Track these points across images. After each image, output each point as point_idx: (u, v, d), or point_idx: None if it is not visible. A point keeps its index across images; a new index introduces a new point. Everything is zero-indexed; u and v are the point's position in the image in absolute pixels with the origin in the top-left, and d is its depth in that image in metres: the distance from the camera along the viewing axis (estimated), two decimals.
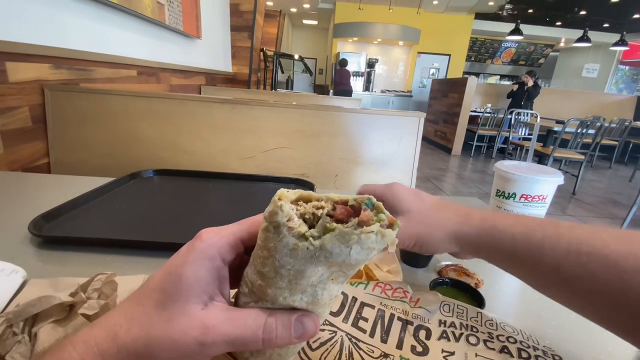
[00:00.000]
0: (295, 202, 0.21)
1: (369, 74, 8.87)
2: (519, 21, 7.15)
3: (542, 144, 4.18)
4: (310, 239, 0.19)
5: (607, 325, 0.27)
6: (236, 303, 0.23)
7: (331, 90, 7.56)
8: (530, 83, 5.50)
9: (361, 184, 0.41)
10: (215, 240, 0.22)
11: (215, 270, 0.21)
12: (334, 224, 0.19)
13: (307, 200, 0.21)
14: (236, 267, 0.23)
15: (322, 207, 0.20)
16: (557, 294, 0.30)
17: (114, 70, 1.40)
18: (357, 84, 8.53)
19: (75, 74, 1.18)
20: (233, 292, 0.24)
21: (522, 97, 5.56)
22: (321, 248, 0.19)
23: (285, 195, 0.20)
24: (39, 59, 1.02)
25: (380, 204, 0.21)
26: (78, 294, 0.28)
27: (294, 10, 8.40)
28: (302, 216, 0.20)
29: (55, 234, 0.50)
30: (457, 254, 0.37)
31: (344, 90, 6.84)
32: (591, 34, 7.27)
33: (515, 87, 5.73)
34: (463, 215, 0.35)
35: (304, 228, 0.19)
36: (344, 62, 7.01)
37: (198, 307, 0.20)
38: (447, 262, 0.49)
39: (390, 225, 0.20)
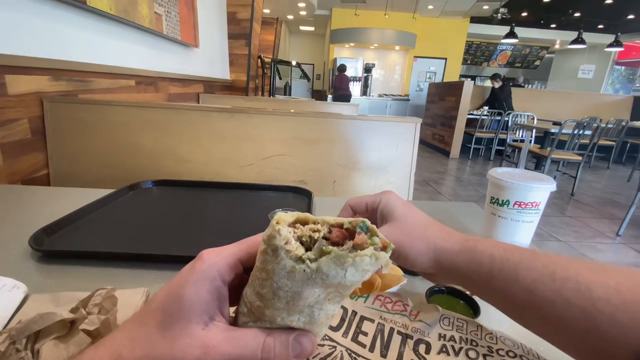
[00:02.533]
0: (292, 224, 0.22)
1: (366, 79, 8.92)
2: (513, 24, 7.22)
3: (539, 146, 4.19)
4: (307, 261, 0.19)
5: (575, 353, 0.27)
6: (235, 322, 0.24)
7: (330, 96, 7.60)
8: (496, 85, 5.82)
9: (360, 191, 0.41)
10: (215, 262, 0.22)
11: (215, 291, 0.22)
12: (330, 247, 0.20)
13: (304, 223, 0.22)
14: (235, 286, 0.24)
15: (319, 230, 0.21)
16: (529, 318, 0.29)
17: (112, 80, 1.41)
18: (354, 88, 8.58)
19: (74, 85, 1.19)
20: (232, 309, 0.25)
21: (493, 99, 5.89)
22: (318, 270, 0.19)
23: (283, 219, 0.21)
24: (38, 71, 1.03)
25: (374, 227, 0.22)
26: (79, 310, 0.29)
27: (290, 17, 8.46)
28: (299, 239, 0.21)
29: (55, 248, 0.51)
30: (431, 275, 0.36)
31: (343, 95, 6.89)
32: (586, 36, 7.34)
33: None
34: (447, 232, 0.35)
35: (301, 251, 0.20)
36: (342, 68, 7.07)
37: (199, 327, 0.20)
38: None
39: (384, 248, 0.21)
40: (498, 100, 5.78)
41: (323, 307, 0.22)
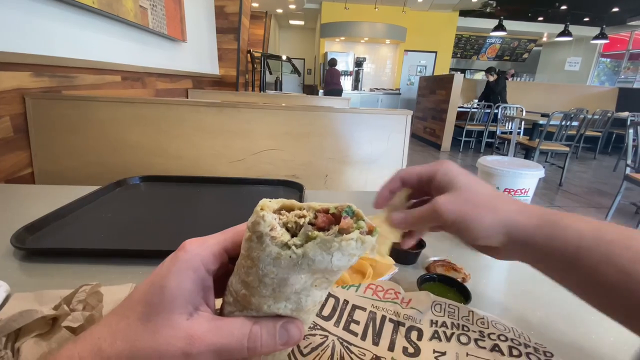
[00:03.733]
0: (278, 211, 0.21)
1: (357, 73, 8.90)
2: (502, 17, 7.27)
3: (528, 138, 4.25)
4: (293, 247, 0.19)
5: None
6: (221, 312, 0.24)
7: (321, 90, 7.57)
8: (491, 79, 5.85)
9: (351, 184, 0.40)
10: (199, 251, 0.22)
11: (199, 281, 0.21)
12: (316, 232, 0.20)
13: (289, 209, 0.22)
14: (221, 276, 0.24)
15: (304, 216, 0.21)
16: (620, 305, 0.25)
17: (97, 76, 1.38)
18: (346, 83, 8.56)
19: (57, 81, 1.16)
20: (219, 301, 0.24)
21: (489, 93, 5.91)
22: (304, 256, 0.19)
23: (268, 205, 0.21)
24: (18, 67, 1.00)
25: (360, 211, 0.21)
26: (61, 306, 0.28)
27: (280, 11, 8.37)
28: (284, 225, 0.21)
29: (38, 246, 0.49)
30: (497, 251, 0.32)
31: (334, 89, 6.87)
32: (572, 28, 7.44)
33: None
34: (521, 204, 0.31)
35: (286, 237, 0.20)
36: (333, 62, 7.04)
37: (183, 317, 0.20)
38: (435, 258, 0.49)
39: (370, 232, 0.20)
40: (493, 93, 5.80)
41: (310, 294, 0.22)
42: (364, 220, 0.21)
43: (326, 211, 0.21)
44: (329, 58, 7.39)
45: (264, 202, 0.21)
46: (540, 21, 9.34)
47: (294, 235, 0.20)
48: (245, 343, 0.21)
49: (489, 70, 5.91)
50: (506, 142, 5.13)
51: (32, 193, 0.77)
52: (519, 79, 10.22)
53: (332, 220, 0.21)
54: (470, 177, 0.33)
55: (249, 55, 3.39)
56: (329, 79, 6.98)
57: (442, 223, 0.31)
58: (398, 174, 0.35)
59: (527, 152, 4.10)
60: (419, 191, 0.35)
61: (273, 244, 0.19)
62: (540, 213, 0.30)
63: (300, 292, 0.21)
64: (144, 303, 0.20)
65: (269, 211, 0.20)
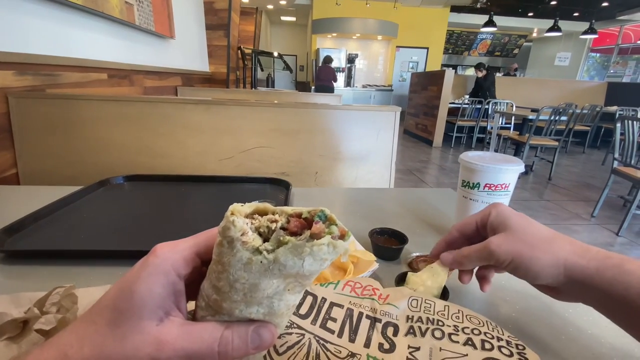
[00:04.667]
0: (250, 215, 0.21)
1: (349, 70, 8.89)
2: (492, 13, 7.31)
3: (518, 133, 4.30)
4: (265, 252, 0.19)
5: None
6: (194, 317, 0.23)
7: (313, 87, 7.54)
8: (480, 74, 5.90)
9: (342, 181, 0.40)
10: (169, 255, 0.22)
11: (170, 286, 0.21)
12: (287, 237, 0.19)
13: (263, 213, 0.22)
14: (195, 281, 0.23)
15: (277, 221, 0.21)
16: None
17: (82, 74, 1.35)
18: (338, 79, 8.54)
19: (41, 80, 1.14)
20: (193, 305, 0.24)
21: (477, 89, 5.97)
22: (275, 261, 0.19)
23: (238, 210, 0.21)
24: (0, 65, 0.98)
25: (334, 216, 0.21)
26: (30, 309, 0.27)
27: (270, 7, 8.28)
28: (257, 230, 0.20)
29: (17, 247, 0.49)
30: (556, 291, 0.32)
31: (324, 86, 6.85)
32: (562, 24, 7.51)
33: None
34: (579, 246, 0.31)
35: (258, 242, 0.20)
36: (328, 59, 7.00)
37: (152, 323, 0.20)
38: (417, 253, 0.50)
39: (342, 236, 0.20)
40: (482, 89, 5.86)
41: (283, 298, 0.22)
42: (336, 224, 0.21)
43: (299, 215, 0.21)
44: (321, 54, 7.36)
45: (235, 206, 0.21)
46: (530, 17, 9.42)
47: (266, 240, 0.20)
48: (216, 348, 0.20)
49: (478, 66, 5.96)
50: (498, 137, 5.19)
51: (14, 194, 0.76)
52: (517, 74, 10.30)
53: (304, 225, 0.21)
54: (525, 218, 0.34)
55: (239, 51, 3.36)
56: (321, 76, 6.96)
57: (496, 263, 0.32)
58: (454, 227, 0.38)
59: (517, 147, 4.15)
60: (481, 236, 0.37)
61: (244, 249, 0.19)
62: (601, 257, 0.30)
63: (273, 296, 0.21)
64: (112, 308, 0.20)
65: (239, 216, 0.20)
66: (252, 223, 0.21)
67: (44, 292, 0.34)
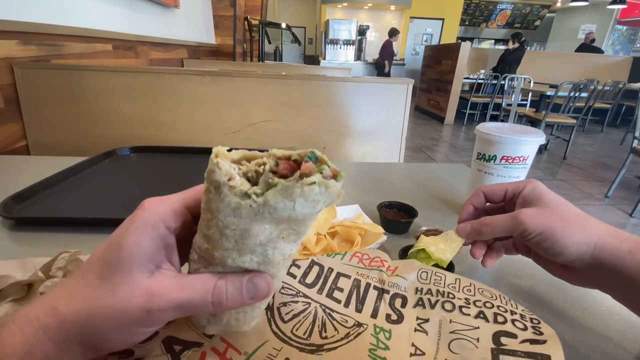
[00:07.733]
0: (238, 161, 0.20)
1: (360, 42, 8.58)
2: None
3: (534, 110, 4.15)
4: (253, 196, 0.18)
5: None
6: (188, 272, 0.23)
7: (323, 61, 7.27)
8: (511, 46, 5.50)
9: (350, 157, 0.39)
10: (157, 209, 0.21)
11: (159, 239, 0.21)
12: (277, 179, 0.19)
13: (251, 160, 0.21)
14: (187, 239, 0.23)
15: (265, 164, 0.20)
16: None
17: (87, 44, 1.32)
18: (348, 53, 8.29)
19: (46, 50, 1.12)
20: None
21: (500, 62, 5.63)
22: (264, 204, 0.18)
23: (223, 153, 0.20)
24: (4, 35, 0.96)
25: (325, 156, 0.20)
26: (35, 272, 0.27)
27: None
28: (245, 175, 0.19)
29: (25, 215, 0.49)
30: (575, 273, 0.32)
31: (379, 65, 6.40)
32: None
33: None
34: (613, 229, 0.31)
35: (246, 186, 0.19)
36: (394, 31, 6.47)
37: (143, 275, 0.19)
38: (426, 227, 0.49)
39: (334, 176, 0.19)
40: (503, 63, 5.53)
41: (277, 246, 0.21)
42: (328, 165, 0.20)
43: (288, 158, 0.20)
44: (331, 26, 7.00)
45: (218, 149, 0.19)
46: None
47: (255, 184, 0.19)
48: (210, 298, 0.20)
49: (515, 37, 5.48)
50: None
51: (23, 163, 0.76)
52: (529, 48, 9.80)
53: (294, 168, 0.20)
54: (559, 197, 0.33)
55: (246, 23, 3.25)
56: (382, 52, 6.46)
57: (522, 234, 0.31)
58: (479, 189, 0.37)
59: (532, 125, 4.01)
60: (508, 207, 0.36)
61: (232, 193, 0.18)
62: (634, 238, 0.29)
63: (266, 244, 0.20)
64: (101, 262, 0.20)
65: (224, 159, 0.19)
66: (239, 168, 0.20)
67: (50, 257, 0.34)
